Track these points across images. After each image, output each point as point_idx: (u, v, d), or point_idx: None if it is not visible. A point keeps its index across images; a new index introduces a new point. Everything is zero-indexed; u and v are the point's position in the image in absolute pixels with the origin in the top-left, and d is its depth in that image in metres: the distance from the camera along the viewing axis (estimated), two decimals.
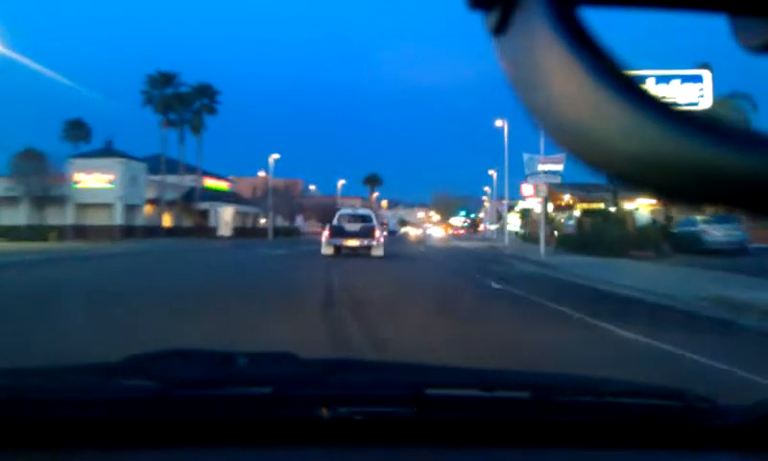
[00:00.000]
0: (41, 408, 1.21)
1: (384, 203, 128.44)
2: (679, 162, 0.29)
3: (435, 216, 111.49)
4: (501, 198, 79.64)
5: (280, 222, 63.53)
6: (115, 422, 1.20)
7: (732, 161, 0.28)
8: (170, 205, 51.52)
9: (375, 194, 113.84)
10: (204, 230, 52.83)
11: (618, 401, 1.38)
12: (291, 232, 64.52)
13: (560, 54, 0.32)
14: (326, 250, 21.13)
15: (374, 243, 21.15)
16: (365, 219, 22.42)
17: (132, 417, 1.21)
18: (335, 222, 22.05)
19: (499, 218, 71.45)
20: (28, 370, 1.53)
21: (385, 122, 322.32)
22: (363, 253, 20.97)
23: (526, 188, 31.68)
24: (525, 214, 79.02)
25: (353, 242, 21.04)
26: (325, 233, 21.82)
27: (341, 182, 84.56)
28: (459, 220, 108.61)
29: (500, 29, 0.35)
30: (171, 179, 51.55)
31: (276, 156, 57.81)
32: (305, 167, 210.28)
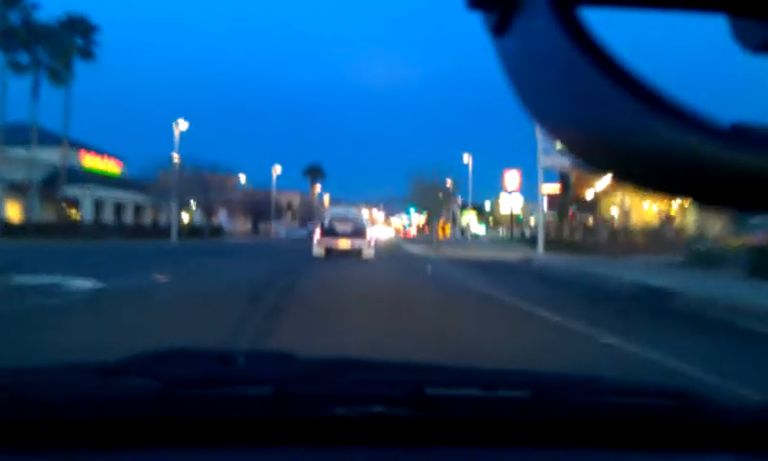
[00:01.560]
0: (41, 408, 1.21)
1: (326, 199, 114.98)
2: (681, 161, 0.29)
3: (380, 215, 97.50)
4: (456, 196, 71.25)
5: (202, 218, 50.20)
6: (115, 422, 1.20)
7: (739, 160, 0.28)
8: (18, 189, 35.17)
9: (317, 187, 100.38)
10: (70, 226, 36.55)
11: (618, 401, 1.38)
12: (213, 232, 50.81)
13: (560, 54, 0.31)
14: (318, 251, 21.39)
15: (366, 244, 21.46)
16: (356, 220, 22.53)
17: (132, 417, 1.21)
18: (326, 223, 22.28)
19: (454, 220, 65.66)
20: (28, 369, 1.53)
21: (330, 116, 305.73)
22: (354, 254, 21.28)
23: (510, 178, 27.28)
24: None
25: (344, 243, 21.31)
26: (316, 235, 22.19)
27: (276, 170, 68.05)
28: (402, 219, 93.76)
29: (500, 29, 0.35)
30: (20, 153, 35.16)
31: (183, 123, 41.42)
32: (235, 157, 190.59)
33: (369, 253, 21.28)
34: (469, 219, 62.67)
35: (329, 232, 21.55)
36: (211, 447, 1.18)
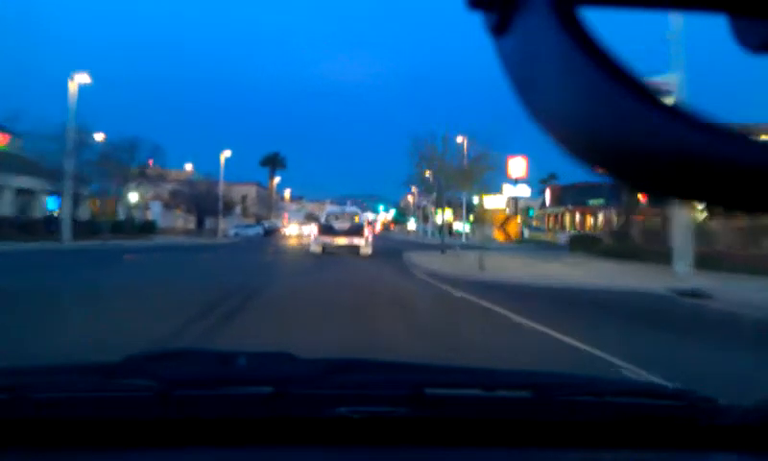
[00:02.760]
0: (41, 408, 1.21)
1: (287, 193, 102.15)
2: (682, 161, 0.29)
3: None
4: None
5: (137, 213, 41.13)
6: (115, 422, 1.19)
7: (739, 159, 0.28)
8: None
9: (276, 179, 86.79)
10: None
11: (619, 401, 1.38)
12: (144, 229, 40.17)
13: (560, 54, 0.31)
14: (315, 248, 21.74)
15: (363, 242, 21.48)
16: (353, 217, 22.66)
17: (132, 417, 1.21)
18: (323, 220, 22.47)
19: (426, 218, 62.04)
20: (28, 369, 1.52)
21: (293, 111, 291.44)
22: (352, 251, 21.23)
23: (514, 165, 22.69)
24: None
25: (342, 240, 21.45)
26: (314, 232, 22.73)
27: (226, 156, 52.20)
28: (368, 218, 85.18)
29: (500, 29, 0.35)
30: None
31: (82, 77, 28.71)
32: (186, 148, 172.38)
33: (366, 250, 21.30)
34: (448, 217, 54.53)
35: (327, 230, 21.84)
36: (211, 447, 1.17)
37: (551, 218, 59.81)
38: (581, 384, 1.53)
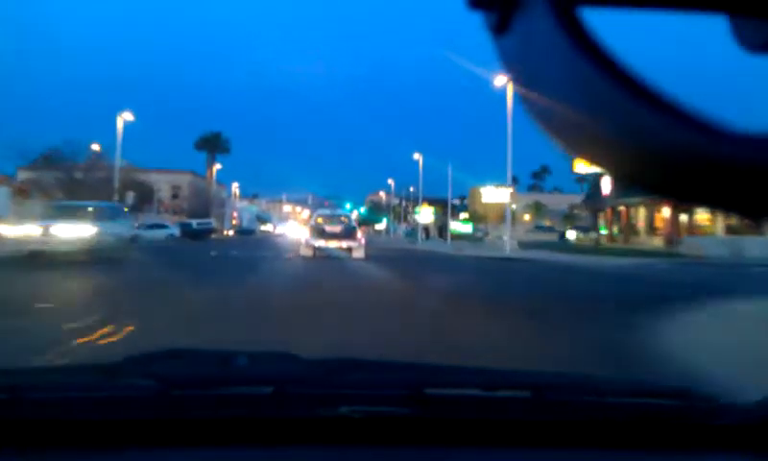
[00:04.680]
0: (41, 408, 1.21)
1: (235, 187, 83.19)
2: (681, 162, 0.29)
3: (304, 213, 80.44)
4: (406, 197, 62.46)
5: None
6: (115, 422, 1.19)
7: (739, 159, 0.28)
8: None
9: (216, 167, 66.29)
10: None
11: (619, 401, 1.38)
12: None
13: (560, 54, 0.31)
14: (306, 251, 20.93)
15: (356, 244, 21.04)
16: (345, 221, 22.10)
17: (132, 417, 1.20)
18: (314, 223, 21.81)
19: (405, 218, 59.36)
20: (28, 370, 1.55)
21: (242, 111, 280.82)
22: (344, 254, 20.78)
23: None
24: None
25: (334, 243, 20.99)
26: (305, 235, 21.82)
27: (125, 119, 35.43)
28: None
29: (500, 29, 0.35)
30: None
31: None
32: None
33: (359, 253, 20.93)
34: (426, 215, 50.02)
35: (318, 233, 21.27)
36: (211, 447, 1.17)
37: (610, 213, 41.82)
38: (581, 384, 1.54)
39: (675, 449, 1.24)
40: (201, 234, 41.44)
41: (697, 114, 0.29)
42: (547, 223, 61.49)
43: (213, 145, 64.28)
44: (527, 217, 66.95)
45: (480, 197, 58.14)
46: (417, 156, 48.34)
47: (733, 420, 1.25)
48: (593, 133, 0.31)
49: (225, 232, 55.97)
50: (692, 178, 0.29)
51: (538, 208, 68.99)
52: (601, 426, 1.26)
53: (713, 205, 0.30)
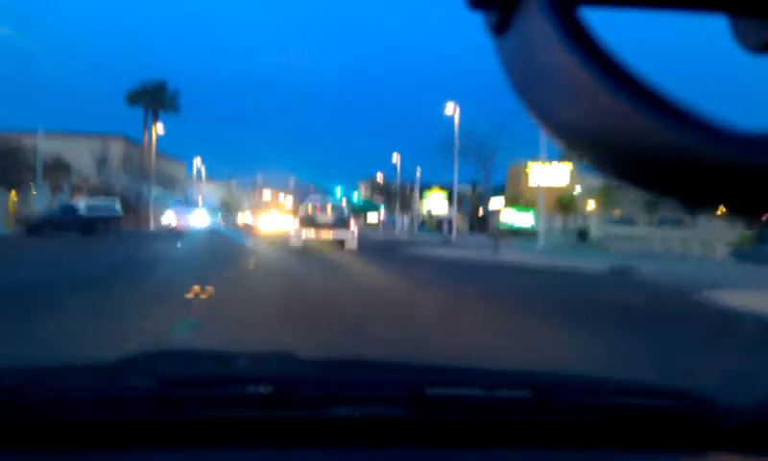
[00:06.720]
0: (41, 408, 1.21)
1: (199, 167, 65.23)
2: (681, 162, 0.29)
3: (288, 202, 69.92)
4: (408, 184, 56.09)
5: None
6: (115, 422, 1.19)
7: (738, 160, 0.28)
8: None
9: (158, 127, 44.83)
10: None
11: (619, 401, 1.38)
12: None
13: (560, 54, 0.32)
14: (295, 243, 19.93)
15: (349, 235, 20.24)
16: (337, 210, 21.09)
17: (133, 417, 1.20)
18: (303, 212, 20.68)
19: (402, 206, 52.70)
20: (28, 369, 1.50)
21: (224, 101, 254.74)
22: (336, 245, 19.84)
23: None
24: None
25: (325, 234, 20.11)
26: (295, 224, 20.68)
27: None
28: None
29: (500, 29, 0.35)
30: None
31: None
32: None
33: (352, 244, 20.07)
34: (438, 202, 42.75)
35: (308, 222, 20.10)
36: (212, 447, 1.17)
37: None
38: (581, 384, 1.54)
39: (674, 450, 1.25)
40: (94, 226, 26.46)
41: (698, 115, 0.29)
42: (617, 213, 46.92)
43: (154, 99, 43.45)
44: (591, 204, 48.41)
45: (525, 179, 36.60)
46: (450, 107, 35.62)
47: (732, 421, 1.26)
48: (593, 133, 0.31)
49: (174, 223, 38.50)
50: (693, 178, 0.29)
51: (607, 194, 44.94)
52: (601, 427, 1.26)
53: (714, 205, 0.30)
